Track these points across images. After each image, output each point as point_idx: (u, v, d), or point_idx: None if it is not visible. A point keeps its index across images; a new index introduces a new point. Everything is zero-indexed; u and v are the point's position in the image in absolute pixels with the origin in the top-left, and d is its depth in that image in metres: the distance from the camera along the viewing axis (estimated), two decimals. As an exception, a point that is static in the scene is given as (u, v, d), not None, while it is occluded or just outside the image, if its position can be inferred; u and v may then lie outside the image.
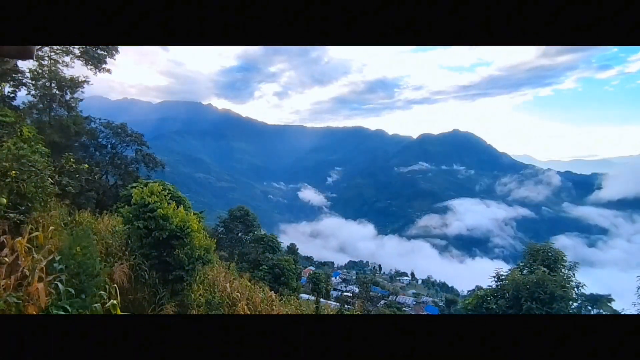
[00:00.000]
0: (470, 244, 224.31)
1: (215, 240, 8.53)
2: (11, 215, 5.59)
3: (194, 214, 8.62)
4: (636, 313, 9.30)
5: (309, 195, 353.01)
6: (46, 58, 17.13)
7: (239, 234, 24.35)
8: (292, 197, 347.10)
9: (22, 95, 16.55)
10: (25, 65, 16.05)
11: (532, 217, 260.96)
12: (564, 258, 11.04)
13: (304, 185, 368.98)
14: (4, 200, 5.42)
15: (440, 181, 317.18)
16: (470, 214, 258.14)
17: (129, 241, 7.68)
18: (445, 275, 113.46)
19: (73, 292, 4.37)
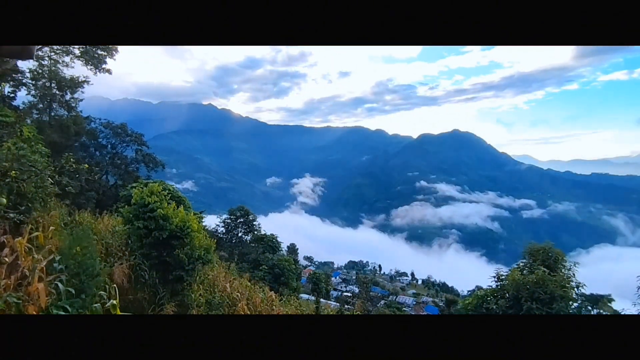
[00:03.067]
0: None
1: (215, 240, 8.53)
2: (11, 215, 5.58)
3: (194, 214, 8.61)
4: (636, 313, 9.29)
5: (306, 195, 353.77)
6: (46, 58, 17.13)
7: (239, 234, 24.34)
8: (291, 197, 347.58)
9: (22, 95, 16.56)
10: (25, 65, 16.05)
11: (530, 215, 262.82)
12: (564, 258, 11.04)
13: (302, 183, 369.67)
14: (4, 200, 5.41)
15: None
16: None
17: (129, 241, 7.67)
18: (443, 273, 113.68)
19: (73, 292, 4.37)
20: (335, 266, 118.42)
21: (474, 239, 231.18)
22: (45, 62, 17.12)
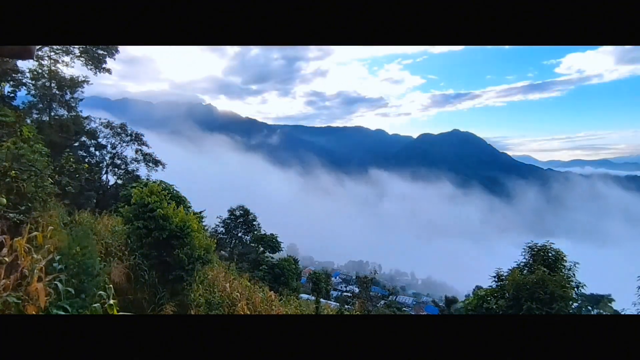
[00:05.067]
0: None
1: (215, 240, 8.53)
2: (11, 215, 5.58)
3: (194, 213, 8.62)
4: (636, 313, 9.30)
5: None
6: (46, 58, 17.12)
7: (239, 234, 24.31)
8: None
9: (22, 95, 16.56)
10: (25, 65, 16.07)
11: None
12: (564, 258, 11.02)
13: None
14: (4, 200, 5.41)
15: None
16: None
17: (129, 241, 7.67)
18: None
19: (73, 292, 4.37)
20: (335, 266, 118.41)
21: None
22: (45, 62, 17.12)
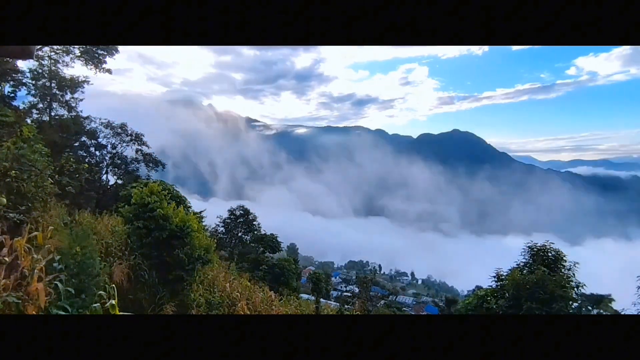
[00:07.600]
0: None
1: (215, 240, 8.53)
2: (11, 215, 5.58)
3: (194, 213, 8.62)
4: (636, 313, 9.29)
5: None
6: (46, 58, 17.12)
7: (239, 234, 24.30)
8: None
9: (22, 95, 16.57)
10: (25, 65, 16.07)
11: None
12: (564, 258, 11.02)
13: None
14: (4, 200, 5.41)
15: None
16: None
17: (129, 241, 7.68)
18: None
19: (73, 292, 4.37)
20: (335, 266, 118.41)
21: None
22: (45, 62, 17.12)
